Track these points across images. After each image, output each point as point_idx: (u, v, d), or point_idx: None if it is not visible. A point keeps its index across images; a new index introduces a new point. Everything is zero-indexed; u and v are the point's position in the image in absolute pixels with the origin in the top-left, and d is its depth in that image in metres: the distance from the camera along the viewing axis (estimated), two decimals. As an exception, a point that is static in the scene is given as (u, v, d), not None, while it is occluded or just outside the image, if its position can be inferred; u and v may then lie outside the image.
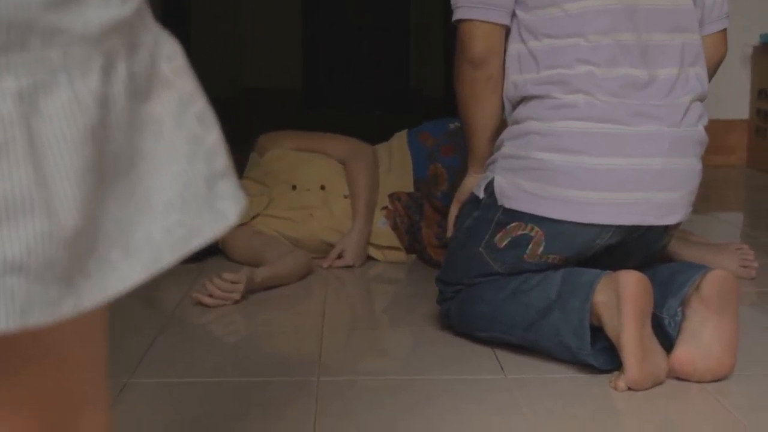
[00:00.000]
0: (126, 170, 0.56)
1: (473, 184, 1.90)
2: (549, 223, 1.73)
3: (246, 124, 2.71)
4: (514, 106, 1.82)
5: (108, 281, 0.55)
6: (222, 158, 0.61)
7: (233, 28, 7.06)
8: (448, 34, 5.90)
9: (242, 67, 7.21)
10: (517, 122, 1.80)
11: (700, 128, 1.79)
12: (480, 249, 1.82)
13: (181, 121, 0.59)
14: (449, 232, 1.95)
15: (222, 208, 0.60)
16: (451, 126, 2.58)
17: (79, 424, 0.63)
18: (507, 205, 1.77)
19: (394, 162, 2.62)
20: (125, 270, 0.55)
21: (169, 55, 0.60)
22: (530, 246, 1.76)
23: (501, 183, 1.78)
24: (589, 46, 1.72)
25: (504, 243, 1.78)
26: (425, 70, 7.08)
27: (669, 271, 1.74)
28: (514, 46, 1.81)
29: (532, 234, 1.75)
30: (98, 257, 0.54)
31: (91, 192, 0.53)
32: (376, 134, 2.83)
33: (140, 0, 0.58)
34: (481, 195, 1.82)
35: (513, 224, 1.77)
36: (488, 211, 1.80)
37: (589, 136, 1.70)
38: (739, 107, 4.17)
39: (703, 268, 1.69)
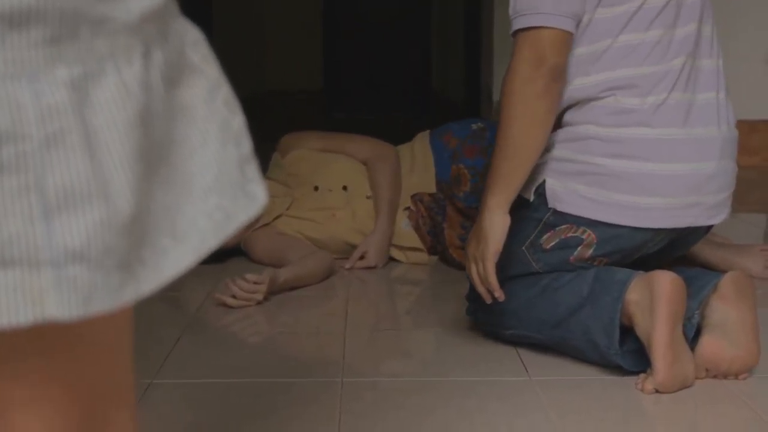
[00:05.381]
0: (166, 156, 0.57)
1: (505, 226, 1.71)
2: (604, 227, 1.71)
3: (267, 124, 2.72)
4: (565, 109, 1.75)
5: (162, 266, 0.56)
6: (247, 142, 0.62)
7: (255, 32, 7.08)
8: (469, 37, 5.90)
9: (264, 70, 7.23)
10: (570, 124, 1.74)
11: (735, 129, 1.80)
12: (523, 248, 1.79)
13: (211, 107, 0.60)
14: (497, 293, 1.75)
15: (253, 191, 0.61)
16: (474, 127, 2.57)
17: (108, 420, 0.63)
18: (559, 208, 1.74)
19: (417, 163, 2.62)
20: (176, 255, 0.57)
21: (194, 42, 0.61)
22: (579, 248, 1.74)
23: (553, 186, 1.75)
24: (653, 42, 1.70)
25: (551, 244, 1.76)
26: (446, 73, 7.07)
27: (684, 275, 1.72)
28: (582, 49, 1.71)
29: (584, 237, 1.73)
30: (151, 243, 0.55)
31: (141, 179, 0.54)
32: (397, 136, 2.82)
33: None
34: (531, 197, 1.79)
35: (563, 226, 1.74)
36: (536, 211, 1.78)
37: (651, 142, 1.68)
38: (762, 108, 4.13)
39: (719, 274, 1.70)
